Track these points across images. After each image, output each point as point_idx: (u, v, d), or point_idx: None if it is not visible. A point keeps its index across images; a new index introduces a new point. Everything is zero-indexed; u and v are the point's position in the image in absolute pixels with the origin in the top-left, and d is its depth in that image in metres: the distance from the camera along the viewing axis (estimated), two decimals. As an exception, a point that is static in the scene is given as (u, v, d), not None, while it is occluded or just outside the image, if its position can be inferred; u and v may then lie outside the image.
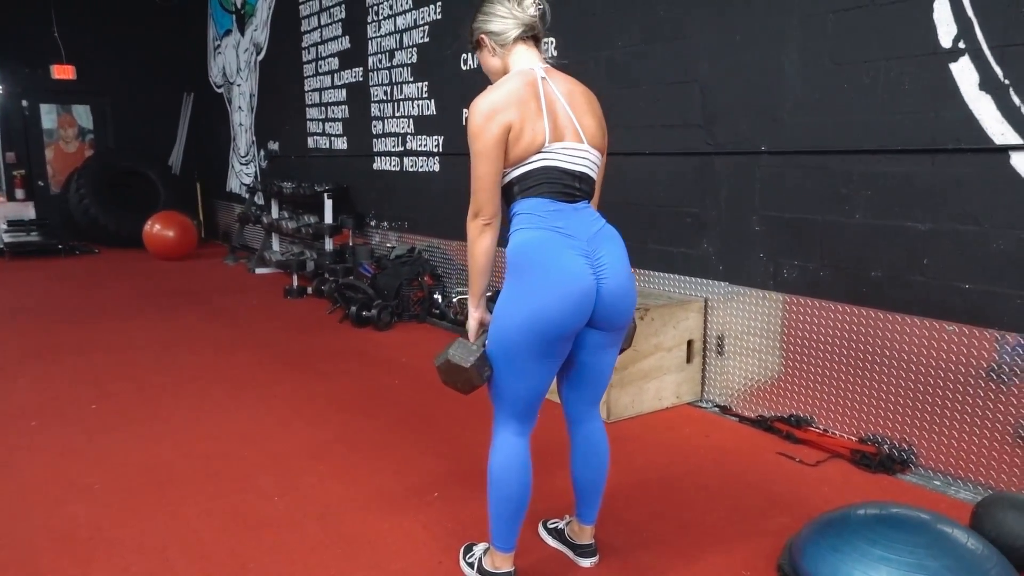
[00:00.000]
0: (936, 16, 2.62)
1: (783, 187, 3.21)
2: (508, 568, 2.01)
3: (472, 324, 1.99)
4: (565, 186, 1.87)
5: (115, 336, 4.98)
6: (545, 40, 4.27)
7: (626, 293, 1.89)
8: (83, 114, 10.25)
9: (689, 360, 3.59)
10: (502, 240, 1.88)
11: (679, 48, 3.57)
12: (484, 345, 1.92)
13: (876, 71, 2.82)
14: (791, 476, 2.82)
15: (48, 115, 10.05)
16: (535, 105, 1.82)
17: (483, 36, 1.95)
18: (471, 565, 2.10)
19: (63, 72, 9.66)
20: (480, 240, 1.86)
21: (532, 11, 1.90)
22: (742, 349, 3.47)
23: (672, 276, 3.76)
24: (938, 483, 2.76)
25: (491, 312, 1.95)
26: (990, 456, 2.64)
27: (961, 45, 2.56)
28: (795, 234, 3.18)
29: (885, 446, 2.94)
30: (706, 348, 3.64)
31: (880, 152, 2.85)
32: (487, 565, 2.04)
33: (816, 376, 3.17)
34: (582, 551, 2.18)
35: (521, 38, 1.91)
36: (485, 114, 1.78)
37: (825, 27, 2.97)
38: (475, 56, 2.06)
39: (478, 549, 2.13)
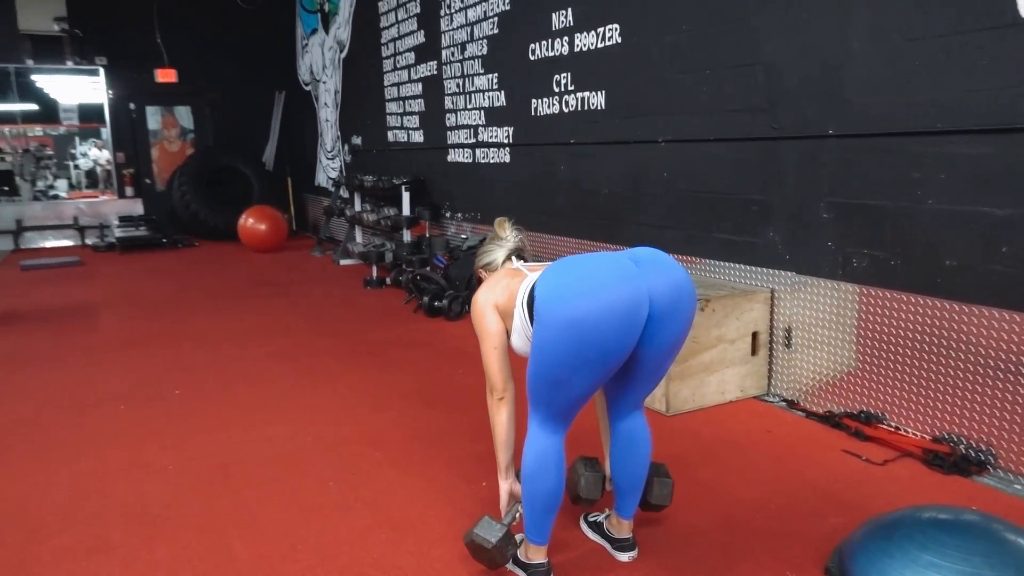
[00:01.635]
0: (1016, -16, 2.42)
1: (851, 172, 3.05)
2: (541, 560, 2.02)
3: (503, 497, 2.12)
4: None
5: (204, 325, 5.27)
6: (610, 26, 4.24)
7: (682, 295, 1.83)
8: (184, 114, 10.86)
9: (754, 352, 3.48)
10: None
11: (742, 29, 3.44)
12: (514, 520, 2.05)
13: (950, 46, 2.64)
14: (854, 475, 2.70)
15: (153, 116, 10.71)
16: (519, 276, 2.06)
17: (480, 270, 2.29)
18: (507, 555, 2.12)
19: (166, 75, 10.24)
20: (498, 414, 2.05)
21: (514, 239, 2.24)
22: (811, 341, 3.33)
23: (737, 266, 3.65)
24: (1020, 487, 2.57)
25: (518, 478, 2.08)
26: (1076, 459, 2.44)
27: (1043, 14, 2.36)
28: (864, 221, 3.02)
29: (961, 446, 2.76)
30: (773, 340, 3.51)
31: (954, 133, 2.66)
32: (522, 556, 2.06)
33: (888, 370, 3.01)
34: (620, 545, 2.16)
35: (508, 258, 2.22)
36: (478, 301, 2.08)
37: (894, 1, 2.80)
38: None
39: (516, 540, 2.14)
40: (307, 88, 10.16)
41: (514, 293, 2.00)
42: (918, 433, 2.92)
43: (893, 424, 3.01)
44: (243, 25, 10.66)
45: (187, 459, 2.97)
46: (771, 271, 3.47)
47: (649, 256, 1.84)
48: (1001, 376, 2.61)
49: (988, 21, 2.50)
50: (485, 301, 2.07)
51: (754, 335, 3.47)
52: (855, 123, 3.00)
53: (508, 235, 2.26)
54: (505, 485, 2.12)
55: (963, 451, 2.75)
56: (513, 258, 2.22)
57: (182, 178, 10.01)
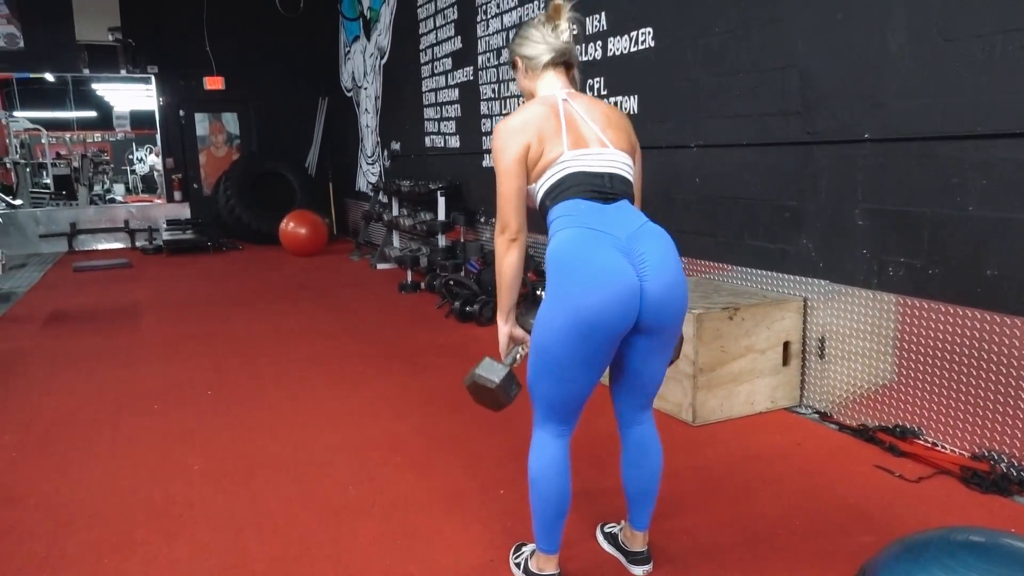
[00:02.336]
0: (1062, -20, 2.31)
1: (888, 177, 2.95)
2: (552, 571, 1.99)
3: (502, 339, 2.00)
4: (596, 187, 1.84)
5: (242, 328, 5.36)
6: (643, 29, 4.19)
7: (673, 292, 1.79)
8: (231, 121, 11.11)
9: (786, 363, 3.39)
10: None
11: (776, 31, 3.36)
12: (515, 361, 1.94)
13: (991, 46, 2.53)
14: (887, 492, 2.59)
15: (201, 123, 10.97)
16: (555, 123, 1.87)
17: (517, 58, 2.03)
18: (518, 565, 2.09)
19: (214, 83, 10.48)
20: (507, 255, 1.90)
21: (565, 36, 1.97)
22: (846, 352, 3.22)
23: (769, 273, 3.56)
24: (1063, 509, 2.45)
25: (519, 325, 1.98)
26: (1125, 481, 2.30)
27: (1090, 12, 2.24)
28: (901, 228, 2.92)
29: (1001, 464, 2.64)
30: (805, 350, 3.42)
31: (996, 136, 2.55)
32: (532, 566, 2.03)
33: (925, 384, 2.89)
34: (634, 558, 2.11)
35: (552, 64, 1.98)
36: (504, 135, 1.88)
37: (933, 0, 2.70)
38: (514, 74, 2.12)
39: (527, 549, 2.12)
40: (349, 94, 10.30)
41: (546, 153, 1.83)
42: (956, 450, 2.80)
43: (930, 440, 2.89)
44: (288, 33, 10.85)
45: (213, 459, 3.01)
46: (804, 279, 3.37)
47: (648, 256, 1.77)
48: (1045, 392, 2.49)
49: (1031, 20, 2.39)
50: (513, 138, 1.85)
51: (786, 345, 3.38)
52: (892, 127, 2.90)
53: (562, 26, 1.96)
54: (505, 328, 1.99)
55: (1003, 469, 2.62)
56: (561, 71, 1.98)
57: (227, 183, 10.23)
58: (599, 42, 4.64)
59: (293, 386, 3.95)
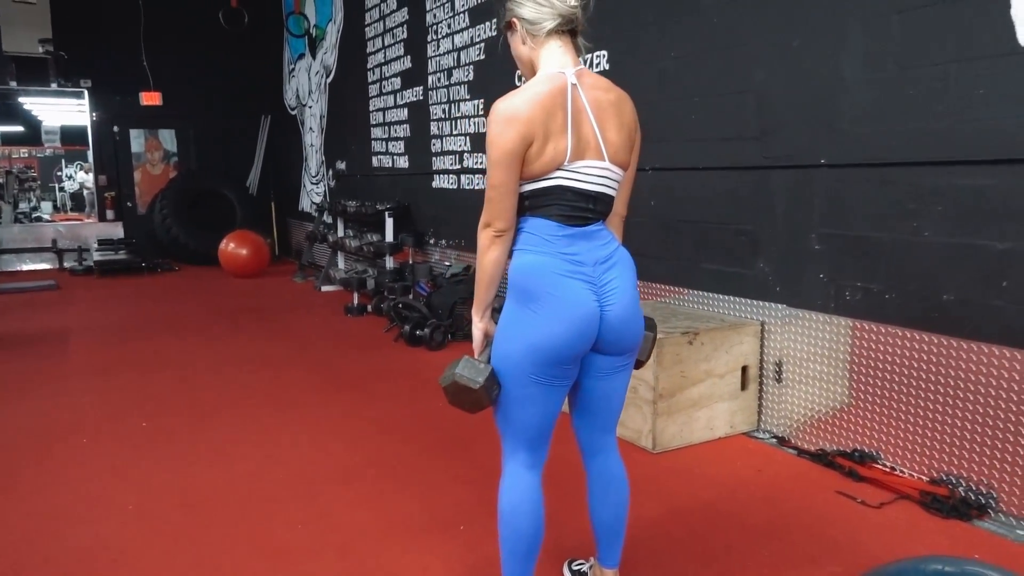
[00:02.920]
0: (1014, 12, 2.36)
1: (845, 203, 2.97)
2: (522, 611, 1.88)
3: (477, 335, 1.87)
4: (578, 208, 1.74)
5: (179, 353, 5.10)
6: (598, 52, 4.18)
7: (631, 318, 1.78)
8: (168, 138, 10.73)
9: (744, 387, 3.37)
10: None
11: (733, 57, 3.38)
12: (491, 359, 1.81)
13: (947, 75, 2.57)
14: (850, 519, 2.57)
15: (136, 139, 10.56)
16: (561, 118, 1.67)
17: (515, 19, 1.78)
18: (484, 608, 1.98)
19: (151, 99, 10.12)
20: (490, 251, 1.73)
21: (572, 1, 1.75)
22: (803, 376, 3.22)
23: (726, 297, 3.54)
24: (1022, 532, 2.46)
25: (494, 319, 1.86)
26: (1082, 505, 2.33)
27: (1041, 43, 2.29)
28: (858, 253, 2.94)
29: (960, 488, 2.65)
30: (763, 375, 3.41)
31: (952, 163, 2.59)
32: (499, 609, 1.92)
33: (883, 408, 2.90)
34: (605, 598, 2.02)
35: (557, 31, 1.74)
36: (506, 120, 1.65)
37: (889, 28, 2.74)
38: (505, 38, 1.86)
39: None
40: (293, 112, 10.08)
41: (545, 154, 1.65)
42: (915, 474, 2.80)
43: (888, 464, 2.89)
44: (230, 49, 10.58)
45: (149, 498, 2.80)
46: (761, 303, 3.37)
47: (613, 286, 1.73)
48: (1002, 415, 2.51)
49: (987, 49, 2.44)
50: (516, 129, 1.63)
51: (744, 369, 3.36)
52: (848, 152, 2.93)
53: None
54: (481, 324, 1.85)
55: (962, 494, 2.63)
56: (567, 40, 1.76)
57: (164, 201, 9.86)
58: (553, 64, 4.62)
59: (235, 417, 3.74)
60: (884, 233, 2.84)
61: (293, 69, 9.90)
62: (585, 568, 2.13)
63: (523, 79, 1.82)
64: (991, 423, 2.54)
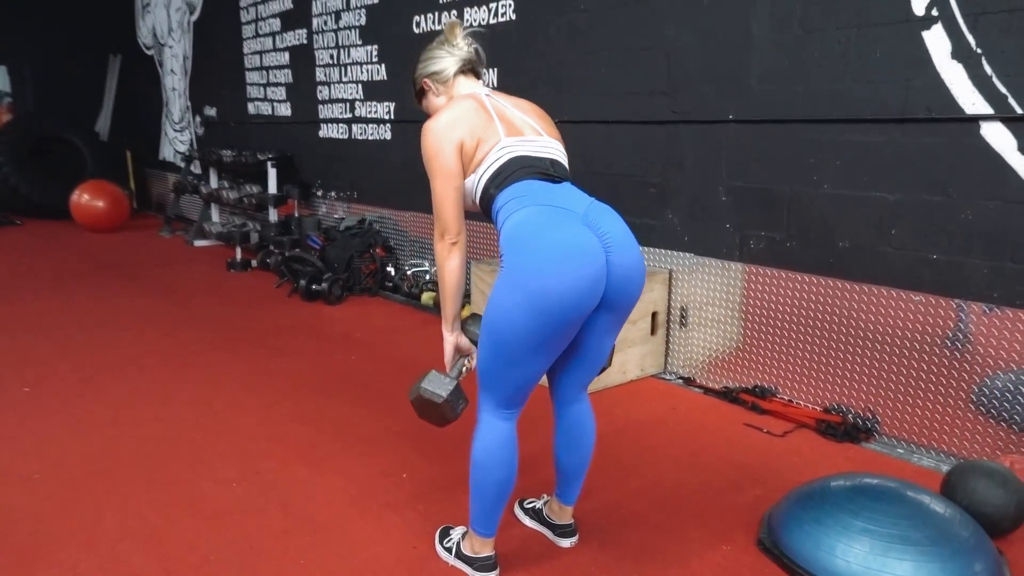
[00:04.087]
0: (909, -17, 2.59)
1: (750, 157, 3.17)
2: (488, 552, 1.94)
3: (448, 349, 1.94)
4: (539, 170, 1.81)
5: (45, 314, 4.67)
6: (504, 2, 4.15)
7: (637, 268, 1.76)
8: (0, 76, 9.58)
9: (653, 332, 3.56)
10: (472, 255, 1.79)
11: (644, 13, 3.47)
12: (461, 374, 1.88)
13: (847, 38, 2.79)
14: (759, 447, 2.82)
15: (-40, 76, 9.36)
16: (485, 115, 1.85)
17: (426, 80, 2.02)
18: (449, 550, 2.02)
19: (-25, 30, 8.98)
20: (449, 260, 1.84)
21: (467, 48, 2.01)
22: (706, 320, 3.45)
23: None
24: (901, 451, 2.80)
25: (465, 334, 1.94)
26: (952, 424, 2.68)
27: (934, 12, 2.54)
28: (762, 204, 3.16)
29: (850, 415, 2.97)
30: (670, 320, 3.61)
31: (850, 121, 2.83)
32: (466, 549, 1.96)
33: (780, 347, 3.17)
34: (562, 531, 2.12)
35: (461, 71, 2.00)
36: (436, 133, 1.82)
37: (795, -7, 2.92)
38: (421, 105, 2.10)
39: (456, 533, 2.04)
40: (149, 52, 9.27)
41: (482, 146, 1.81)
42: (810, 405, 3.10)
43: (786, 397, 3.18)
44: (70, -23, 9.58)
45: (55, 465, 2.60)
46: (670, 252, 3.55)
47: (610, 231, 1.72)
48: (887, 350, 2.82)
49: (885, 16, 2.66)
50: (446, 136, 1.80)
51: (653, 315, 3.55)
52: (755, 109, 3.12)
53: (459, 42, 2.01)
54: (451, 338, 1.95)
55: (852, 420, 2.95)
56: (472, 77, 2.02)
57: (-1, 148, 8.83)
58: (454, 12, 4.54)
59: (130, 378, 3.50)
60: (786, 185, 3.06)
61: (148, 4, 9.07)
62: (539, 505, 2.22)
63: None
64: (877, 357, 2.86)
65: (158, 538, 2.15)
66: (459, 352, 1.97)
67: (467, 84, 2.01)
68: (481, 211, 1.90)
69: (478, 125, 1.82)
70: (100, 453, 2.70)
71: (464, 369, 1.96)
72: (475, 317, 1.94)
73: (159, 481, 2.49)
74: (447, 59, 1.99)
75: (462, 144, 1.81)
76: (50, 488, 2.44)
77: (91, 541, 2.13)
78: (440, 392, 1.80)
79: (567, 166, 1.93)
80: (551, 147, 1.89)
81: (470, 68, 2.02)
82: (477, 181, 1.83)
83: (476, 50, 2.04)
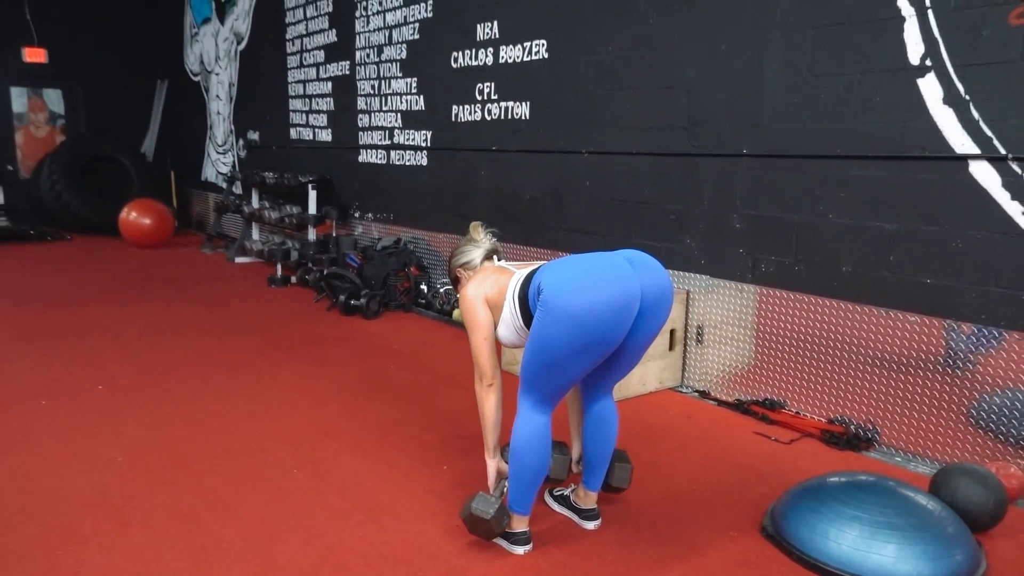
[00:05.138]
0: (906, 35, 2.89)
1: (762, 188, 3.47)
2: (524, 528, 2.23)
3: (490, 474, 2.31)
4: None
5: (105, 321, 5.04)
6: (537, 41, 4.51)
7: (667, 288, 2.13)
8: (54, 98, 10.13)
9: (671, 348, 3.84)
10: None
11: (667, 55, 3.80)
12: (503, 494, 2.24)
13: (850, 83, 3.09)
14: (768, 453, 3.08)
15: (19, 99, 9.91)
16: (504, 273, 2.29)
17: (458, 269, 2.44)
18: (489, 526, 2.31)
19: (34, 55, 9.52)
20: (488, 400, 2.22)
21: (489, 241, 2.44)
22: (721, 338, 3.72)
23: (656, 269, 4.00)
24: (899, 459, 3.04)
25: (504, 457, 2.31)
26: (945, 435, 2.93)
27: (928, 63, 2.84)
28: (773, 231, 3.45)
29: (852, 426, 3.22)
30: (687, 337, 3.89)
31: (853, 158, 3.12)
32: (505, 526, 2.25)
33: (788, 363, 3.44)
34: (587, 515, 2.40)
35: (486, 259, 2.42)
36: (469, 294, 2.25)
37: (805, 41, 3.23)
38: (457, 293, 2.44)
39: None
40: (196, 78, 9.78)
41: (504, 288, 2.20)
42: (815, 416, 3.36)
43: (794, 409, 3.44)
44: (124, 8, 10.12)
45: (135, 451, 2.93)
46: (688, 274, 3.84)
47: (642, 259, 2.11)
48: (885, 367, 3.08)
49: (884, 64, 2.96)
50: (475, 294, 2.24)
51: (671, 332, 3.83)
52: (767, 145, 3.42)
53: (482, 238, 2.44)
54: (493, 464, 2.30)
55: (853, 431, 3.20)
56: (494, 258, 2.41)
57: (52, 166, 9.32)
58: (490, 49, 4.90)
59: (190, 379, 3.84)
60: (795, 214, 3.35)
61: (196, 33, 9.59)
62: (566, 492, 2.51)
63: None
64: (877, 373, 3.12)
65: (232, 513, 2.45)
66: (500, 476, 2.32)
67: (489, 266, 2.40)
68: (527, 316, 2.17)
69: (500, 279, 2.25)
70: (172, 442, 3.03)
71: (504, 490, 2.29)
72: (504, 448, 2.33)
73: (227, 467, 2.81)
74: (474, 251, 2.41)
75: (487, 296, 2.23)
76: (133, 470, 2.76)
77: (176, 512, 2.44)
78: (488, 511, 2.14)
79: None
80: None
81: (494, 254, 2.44)
82: (511, 298, 2.17)
83: (495, 242, 2.46)
